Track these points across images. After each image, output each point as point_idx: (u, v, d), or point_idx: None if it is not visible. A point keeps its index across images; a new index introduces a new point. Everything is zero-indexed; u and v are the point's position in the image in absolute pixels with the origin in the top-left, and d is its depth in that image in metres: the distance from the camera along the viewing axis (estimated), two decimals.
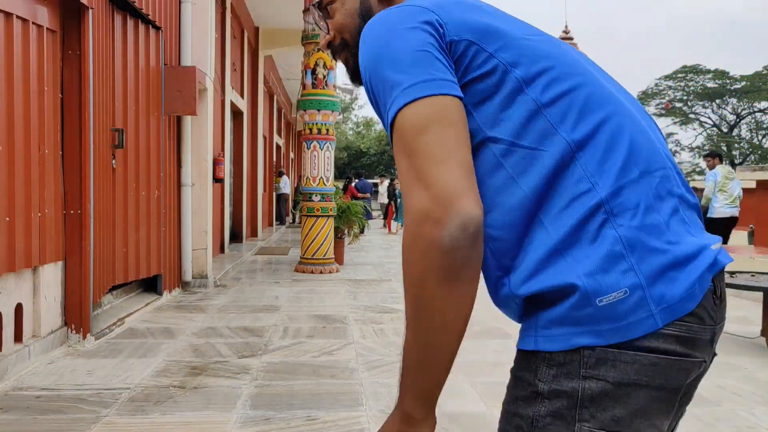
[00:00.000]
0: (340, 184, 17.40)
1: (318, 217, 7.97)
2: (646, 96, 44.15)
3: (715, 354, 0.87)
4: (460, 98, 0.82)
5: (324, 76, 7.94)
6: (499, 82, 0.84)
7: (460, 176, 0.75)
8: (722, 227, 8.00)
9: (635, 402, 0.78)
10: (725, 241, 8.27)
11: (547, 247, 0.81)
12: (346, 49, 1.04)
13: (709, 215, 8.07)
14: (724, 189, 8.00)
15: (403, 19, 0.85)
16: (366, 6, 1.01)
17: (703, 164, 45.21)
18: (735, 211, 8.00)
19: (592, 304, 0.78)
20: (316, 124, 8.02)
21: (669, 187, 0.86)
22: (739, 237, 10.52)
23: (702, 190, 12.02)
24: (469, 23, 0.86)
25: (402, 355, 0.84)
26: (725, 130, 43.93)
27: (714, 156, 8.42)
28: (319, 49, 7.92)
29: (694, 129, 44.97)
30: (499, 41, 0.85)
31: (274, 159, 17.11)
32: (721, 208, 7.98)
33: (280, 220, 17.77)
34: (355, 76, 1.05)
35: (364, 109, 46.10)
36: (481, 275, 0.85)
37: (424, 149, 0.76)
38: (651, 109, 44.50)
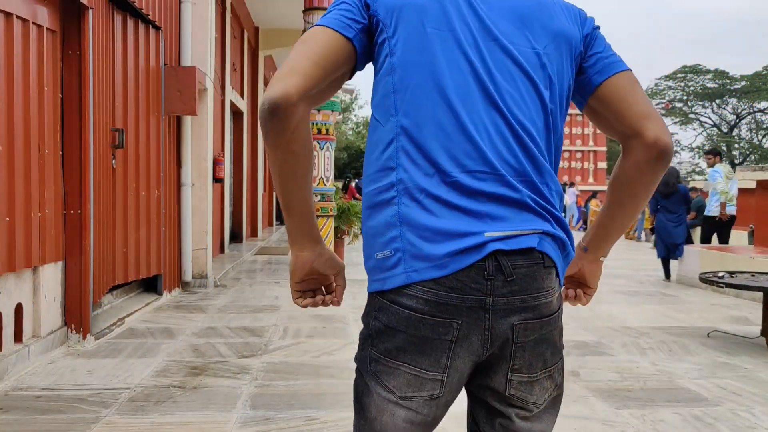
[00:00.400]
0: (340, 184, 17.42)
1: (318, 217, 7.97)
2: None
3: (517, 321, 1.02)
4: (343, 35, 1.03)
5: None
6: (384, 59, 1.06)
7: (284, 73, 0.98)
8: (718, 226, 8.02)
9: (398, 341, 1.01)
10: (726, 240, 8.28)
11: (364, 205, 1.08)
12: None
13: (706, 213, 8.06)
14: (725, 189, 8.06)
15: None
16: None
17: (703, 164, 45.25)
18: (733, 210, 8.04)
19: (373, 257, 1.05)
20: (316, 124, 8.02)
21: (473, 185, 0.99)
22: (739, 237, 10.51)
23: (700, 189, 12.07)
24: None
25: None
26: (725, 130, 43.92)
27: (715, 153, 8.42)
28: None
29: (694, 129, 44.99)
30: (397, 27, 1.05)
31: None
32: (718, 207, 8.02)
33: (280, 220, 17.78)
34: None
35: (364, 109, 46.13)
36: None
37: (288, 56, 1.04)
38: None
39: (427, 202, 0.99)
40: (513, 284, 1.00)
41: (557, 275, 1.08)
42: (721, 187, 7.90)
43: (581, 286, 1.29)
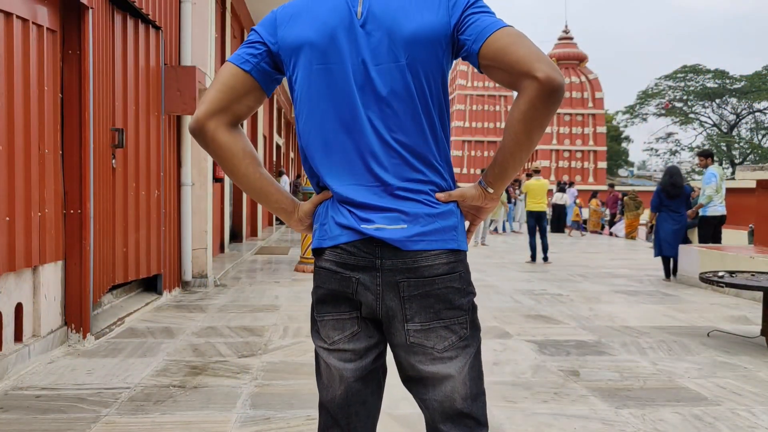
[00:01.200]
0: None
1: None
2: (646, 96, 44.15)
3: (400, 278, 1.27)
4: (242, 69, 1.31)
5: None
6: (292, 91, 1.34)
7: (198, 103, 1.35)
8: (714, 225, 8.16)
9: (319, 294, 1.36)
10: (717, 239, 8.40)
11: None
12: None
13: (702, 214, 8.16)
14: (719, 189, 8.15)
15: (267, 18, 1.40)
16: None
17: None
18: (725, 210, 8.26)
19: (316, 227, 1.37)
20: None
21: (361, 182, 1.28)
22: (739, 237, 10.52)
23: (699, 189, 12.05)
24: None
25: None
26: (725, 130, 43.92)
27: (707, 155, 8.53)
28: None
29: (694, 129, 44.98)
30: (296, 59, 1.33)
31: (274, 159, 17.11)
32: (714, 207, 8.14)
33: (280, 219, 17.75)
34: None
35: None
36: None
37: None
38: (651, 108, 44.53)
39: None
40: (389, 251, 1.26)
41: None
42: (709, 191, 8.05)
43: (472, 218, 1.40)
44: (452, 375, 1.28)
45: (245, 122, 11.58)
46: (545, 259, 9.83)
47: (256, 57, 1.32)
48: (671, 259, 7.90)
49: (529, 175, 12.36)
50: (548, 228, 10.96)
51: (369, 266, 1.27)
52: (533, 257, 9.85)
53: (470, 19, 1.24)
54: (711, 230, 8.21)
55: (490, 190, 1.32)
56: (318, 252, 1.34)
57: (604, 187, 30.43)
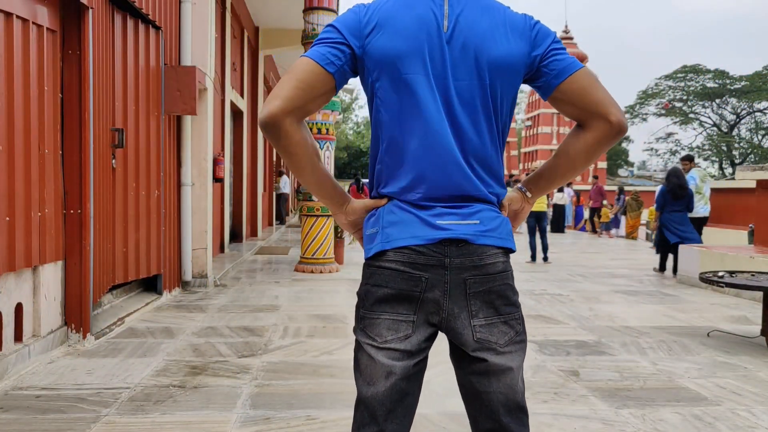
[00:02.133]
0: (347, 186, 17.39)
1: (318, 216, 7.98)
2: (646, 96, 44.15)
3: (464, 275, 1.33)
4: (326, 70, 1.30)
5: None
6: (371, 96, 1.40)
7: (271, 97, 1.27)
8: (697, 226, 8.47)
9: (379, 294, 1.34)
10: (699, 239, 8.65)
11: None
12: None
13: (692, 214, 8.44)
14: (699, 191, 8.54)
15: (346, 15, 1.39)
16: None
17: (703, 164, 45.26)
18: (707, 211, 8.71)
19: (367, 232, 1.40)
20: (316, 123, 8.03)
21: (431, 194, 1.35)
22: (739, 237, 10.51)
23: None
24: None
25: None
26: (725, 130, 43.92)
27: (689, 159, 9.01)
28: None
29: (694, 129, 44.97)
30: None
31: (274, 159, 17.11)
32: (697, 208, 8.48)
33: (280, 219, 17.77)
34: None
35: (364, 109, 46.17)
36: None
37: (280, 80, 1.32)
38: (651, 108, 44.52)
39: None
40: (464, 254, 1.33)
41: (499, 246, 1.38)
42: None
43: (511, 221, 1.51)
44: (513, 369, 1.37)
45: (245, 123, 11.59)
46: (545, 259, 9.84)
47: (341, 59, 1.32)
48: (670, 256, 8.21)
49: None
50: (548, 228, 10.97)
51: (438, 265, 1.32)
52: (533, 257, 9.86)
53: (554, 54, 1.36)
54: (696, 230, 8.47)
55: (529, 195, 1.47)
56: (379, 254, 1.35)
57: (605, 188, 30.45)
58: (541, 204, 10.01)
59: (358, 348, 1.39)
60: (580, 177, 33.25)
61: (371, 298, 1.36)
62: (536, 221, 9.94)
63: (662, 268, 8.44)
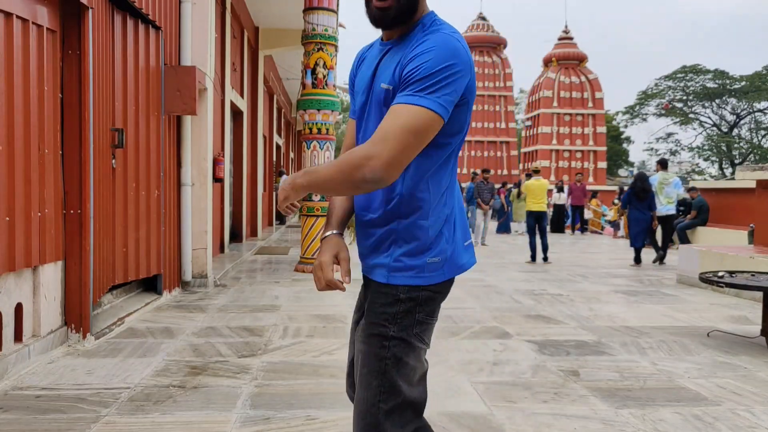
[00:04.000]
0: None
1: (318, 216, 7.98)
2: (646, 96, 44.14)
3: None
4: (443, 118, 1.38)
5: (324, 76, 7.94)
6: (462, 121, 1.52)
7: (396, 159, 1.34)
8: (662, 223, 9.84)
9: (440, 302, 1.53)
10: (669, 234, 10.11)
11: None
12: (398, 1, 1.41)
13: (659, 214, 9.79)
14: (660, 192, 9.75)
15: (467, 60, 1.40)
16: None
17: (702, 164, 45.15)
18: (670, 210, 9.82)
19: (465, 243, 1.59)
20: (316, 123, 8.03)
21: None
22: (739, 237, 10.51)
23: (699, 189, 12.89)
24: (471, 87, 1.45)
25: (318, 174, 1.40)
26: (725, 130, 43.92)
27: (660, 163, 10.28)
28: (319, 50, 7.91)
29: (694, 129, 44.97)
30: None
31: (274, 159, 17.10)
32: (659, 208, 9.72)
33: (280, 219, 17.76)
34: (381, 21, 1.45)
35: None
36: None
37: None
38: (651, 109, 44.51)
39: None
40: None
41: None
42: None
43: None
44: None
45: (245, 123, 11.60)
46: (545, 259, 9.83)
47: (452, 103, 1.39)
48: (641, 249, 9.66)
49: (528, 175, 12.35)
50: (548, 228, 11.04)
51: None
52: (533, 257, 9.84)
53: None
54: (661, 226, 9.93)
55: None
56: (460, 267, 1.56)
57: (605, 187, 30.45)
58: (541, 204, 9.99)
59: (408, 352, 1.45)
60: (592, 178, 33.24)
61: (434, 304, 1.50)
62: (536, 221, 9.93)
63: (637, 261, 9.60)
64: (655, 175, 9.98)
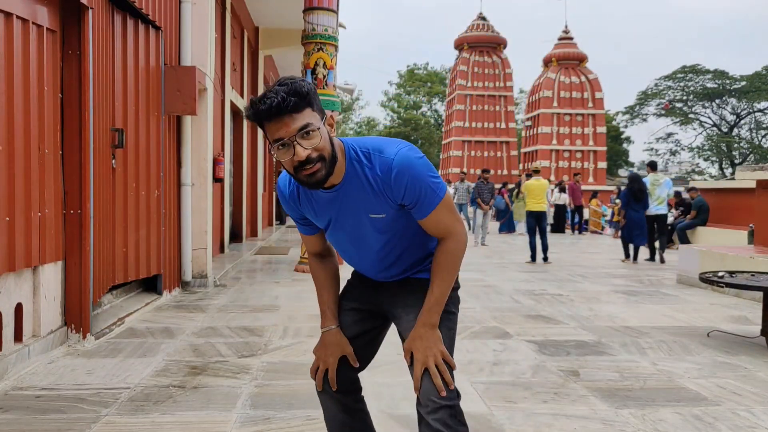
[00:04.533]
0: None
1: None
2: (645, 96, 44.14)
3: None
4: None
5: (324, 76, 7.93)
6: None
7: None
8: (652, 222, 10.26)
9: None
10: (660, 232, 10.50)
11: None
12: (322, 161, 1.58)
13: (647, 213, 10.21)
14: (652, 193, 10.19)
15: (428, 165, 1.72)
16: (332, 140, 1.62)
17: (702, 164, 45.10)
18: (661, 210, 10.29)
19: None
20: None
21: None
22: (739, 237, 10.51)
23: (699, 189, 13.06)
24: None
25: (438, 297, 1.76)
26: (725, 130, 43.93)
27: (650, 166, 10.91)
28: (319, 50, 7.92)
29: (694, 129, 44.99)
30: None
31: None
32: (650, 208, 10.18)
33: (280, 220, 17.76)
34: (317, 184, 1.62)
35: (365, 109, 46.22)
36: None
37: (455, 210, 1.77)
38: (651, 109, 44.52)
39: None
40: None
41: None
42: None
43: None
44: None
45: (245, 123, 11.60)
46: (545, 259, 9.82)
47: None
48: (638, 247, 10.12)
49: (528, 175, 12.35)
50: (548, 228, 11.13)
51: None
52: (533, 257, 9.84)
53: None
54: (650, 225, 10.30)
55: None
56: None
57: (605, 187, 30.43)
58: (540, 204, 9.98)
59: (456, 322, 1.94)
60: (592, 178, 33.21)
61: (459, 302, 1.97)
62: (536, 221, 9.93)
63: (627, 256, 10.20)
64: (646, 177, 10.44)
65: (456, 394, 1.73)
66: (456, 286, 1.85)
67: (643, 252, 11.00)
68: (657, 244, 10.37)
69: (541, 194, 10.08)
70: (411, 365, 1.74)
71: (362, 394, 2.02)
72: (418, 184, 1.65)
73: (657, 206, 10.29)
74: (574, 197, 17.60)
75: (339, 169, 1.65)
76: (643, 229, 10.01)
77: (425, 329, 1.73)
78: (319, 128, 1.56)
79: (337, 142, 1.66)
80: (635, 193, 9.96)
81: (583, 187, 26.53)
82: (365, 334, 1.91)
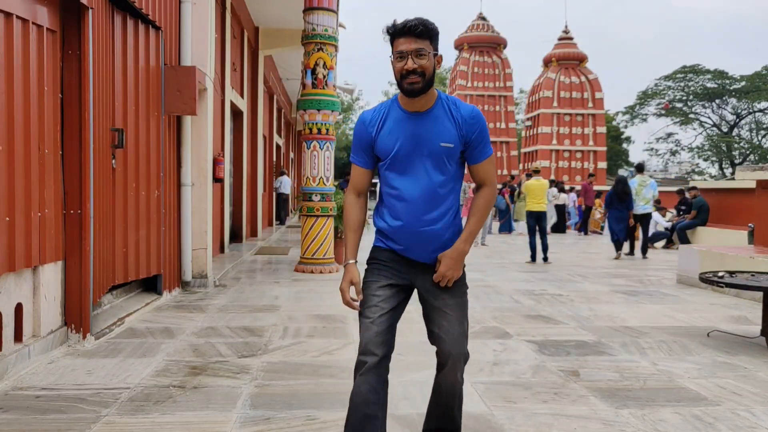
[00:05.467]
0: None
1: (318, 216, 7.98)
2: (645, 96, 44.13)
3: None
4: None
5: (324, 76, 7.93)
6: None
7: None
8: (640, 220, 11.06)
9: None
10: (645, 231, 11.17)
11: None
12: (422, 77, 2.11)
13: (633, 212, 10.97)
14: (639, 193, 10.98)
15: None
16: (434, 68, 2.14)
17: (702, 164, 45.09)
18: (647, 209, 11.08)
19: None
20: (316, 124, 8.02)
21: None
22: (739, 237, 10.51)
23: (699, 189, 13.15)
24: None
25: (473, 229, 2.23)
26: (725, 130, 43.92)
27: (636, 168, 11.76)
28: (319, 50, 7.91)
29: (694, 129, 44.97)
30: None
31: (274, 159, 17.10)
32: (637, 207, 10.97)
33: (280, 220, 17.76)
34: (414, 93, 2.14)
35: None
36: None
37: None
38: (651, 109, 44.51)
39: None
40: None
41: None
42: (633, 194, 11.01)
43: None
44: None
45: (245, 123, 11.60)
46: (545, 259, 9.82)
47: None
48: (624, 243, 11.02)
49: (528, 176, 12.35)
50: (548, 228, 11.38)
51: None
52: (533, 257, 9.84)
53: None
54: (635, 225, 11.18)
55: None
56: None
57: (605, 188, 30.40)
58: (540, 204, 9.99)
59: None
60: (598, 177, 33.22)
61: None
62: (536, 221, 9.94)
63: (618, 248, 10.87)
64: (633, 179, 11.23)
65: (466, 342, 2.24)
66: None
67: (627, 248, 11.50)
68: (641, 239, 11.15)
69: (541, 194, 10.08)
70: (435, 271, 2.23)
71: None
72: (485, 132, 2.24)
73: (644, 206, 11.03)
74: (586, 198, 17.62)
75: (431, 96, 2.19)
76: (624, 225, 10.77)
77: (458, 253, 2.20)
78: (429, 54, 2.12)
79: (434, 81, 2.20)
80: (619, 195, 10.72)
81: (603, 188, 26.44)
82: (401, 302, 2.27)
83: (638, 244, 11.48)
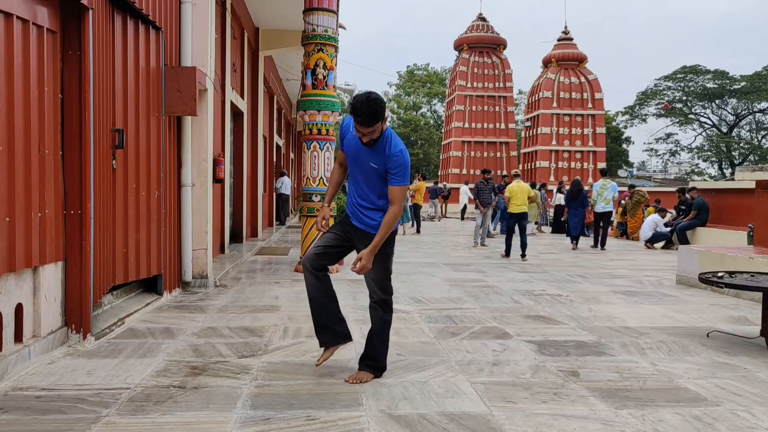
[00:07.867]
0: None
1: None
2: (645, 96, 44.15)
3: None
4: None
5: (324, 77, 7.94)
6: None
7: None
8: (600, 218, 12.73)
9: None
10: (605, 227, 12.80)
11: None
12: (371, 139, 3.24)
13: (595, 211, 12.81)
14: (601, 194, 12.61)
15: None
16: (382, 129, 3.28)
17: (702, 165, 45.13)
18: (607, 208, 12.68)
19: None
20: (316, 124, 8.03)
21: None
22: (739, 237, 10.52)
23: (699, 189, 13.26)
24: None
25: (377, 242, 3.31)
26: (725, 130, 43.94)
27: (600, 172, 13.80)
28: (319, 50, 7.92)
29: (694, 129, 45.00)
30: None
31: (275, 159, 17.10)
32: (599, 207, 12.65)
33: (280, 220, 17.77)
34: (366, 144, 3.29)
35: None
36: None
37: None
38: (651, 109, 44.51)
39: None
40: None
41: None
42: (593, 196, 12.90)
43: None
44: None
45: (245, 123, 11.61)
46: (523, 255, 10.39)
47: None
48: (580, 237, 13.10)
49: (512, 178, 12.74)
50: (532, 227, 14.50)
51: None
52: (507, 252, 10.77)
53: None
54: (597, 222, 12.92)
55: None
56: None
57: None
58: (521, 206, 11.02)
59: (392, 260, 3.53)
60: (592, 178, 33.22)
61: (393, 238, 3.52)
62: (517, 221, 10.99)
63: (575, 243, 12.81)
64: (596, 183, 12.96)
65: (389, 293, 3.53)
66: (394, 230, 3.40)
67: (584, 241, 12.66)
68: (600, 235, 12.73)
69: (522, 197, 11.12)
70: (354, 267, 3.30)
71: (328, 274, 3.50)
72: (402, 168, 3.28)
73: (604, 206, 12.70)
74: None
75: (377, 139, 3.26)
76: (579, 222, 13.02)
77: (365, 254, 3.28)
78: (378, 126, 3.18)
79: (384, 128, 3.27)
80: (572, 194, 13.43)
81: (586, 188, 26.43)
82: (337, 247, 3.49)
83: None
